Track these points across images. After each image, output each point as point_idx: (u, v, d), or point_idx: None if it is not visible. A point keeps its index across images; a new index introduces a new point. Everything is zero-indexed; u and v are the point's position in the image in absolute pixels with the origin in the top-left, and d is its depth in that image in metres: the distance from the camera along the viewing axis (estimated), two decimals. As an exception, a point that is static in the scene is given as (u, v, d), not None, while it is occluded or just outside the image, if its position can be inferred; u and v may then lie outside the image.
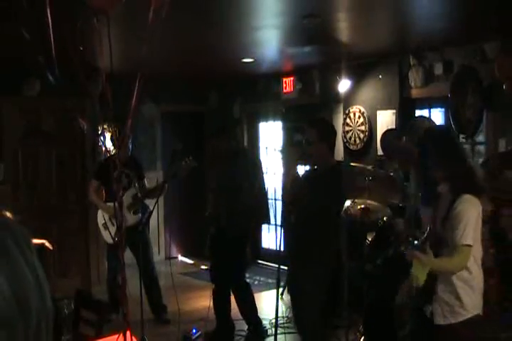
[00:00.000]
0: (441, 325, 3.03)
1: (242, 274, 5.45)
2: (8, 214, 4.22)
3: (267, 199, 5.62)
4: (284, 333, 5.74)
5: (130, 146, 6.01)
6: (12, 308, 0.72)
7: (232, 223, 5.18)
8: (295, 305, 4.62)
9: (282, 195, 4.75)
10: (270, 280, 7.47)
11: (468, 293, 3.02)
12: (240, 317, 5.64)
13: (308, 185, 4.22)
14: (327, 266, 4.26)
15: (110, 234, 5.82)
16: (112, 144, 5.88)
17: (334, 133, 4.40)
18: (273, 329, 5.29)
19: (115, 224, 5.84)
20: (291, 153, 4.94)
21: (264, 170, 5.47)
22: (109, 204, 5.88)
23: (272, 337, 4.89)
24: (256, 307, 5.52)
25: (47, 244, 4.49)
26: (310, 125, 4.35)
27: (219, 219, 5.30)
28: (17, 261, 0.75)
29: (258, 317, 5.54)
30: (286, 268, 7.17)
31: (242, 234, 5.28)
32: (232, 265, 5.32)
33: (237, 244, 5.26)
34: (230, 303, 5.53)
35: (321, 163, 4.28)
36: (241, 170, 5.18)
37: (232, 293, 5.48)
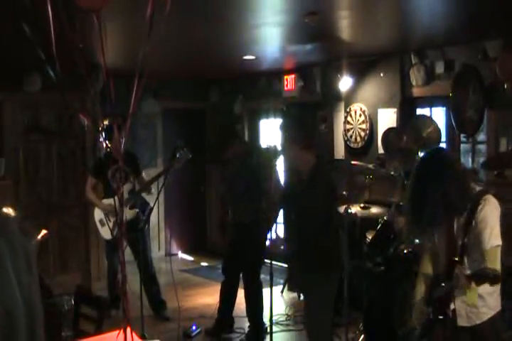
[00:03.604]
0: (466, 326, 3.03)
1: (258, 273, 5.47)
2: (10, 210, 4.21)
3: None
4: (284, 331, 5.77)
5: (123, 141, 5.99)
6: None
7: (256, 226, 5.27)
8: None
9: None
10: (268, 278, 7.46)
11: (489, 291, 3.01)
12: (242, 314, 5.66)
13: (296, 186, 4.20)
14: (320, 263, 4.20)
15: (110, 228, 5.84)
16: (104, 140, 5.91)
17: (307, 133, 4.16)
18: (272, 326, 5.32)
19: (112, 219, 5.86)
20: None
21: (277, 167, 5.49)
22: (105, 201, 5.88)
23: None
24: (263, 308, 5.50)
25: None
26: (280, 129, 4.15)
27: (243, 223, 5.40)
28: (7, 281, 0.75)
29: (262, 319, 5.52)
30: (284, 265, 7.21)
31: (263, 236, 5.31)
32: (250, 264, 5.42)
33: (258, 244, 5.30)
34: (235, 298, 5.59)
35: (300, 164, 4.13)
36: (256, 176, 5.20)
37: (244, 291, 5.54)
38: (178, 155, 5.42)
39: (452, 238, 3.07)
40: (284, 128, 4.13)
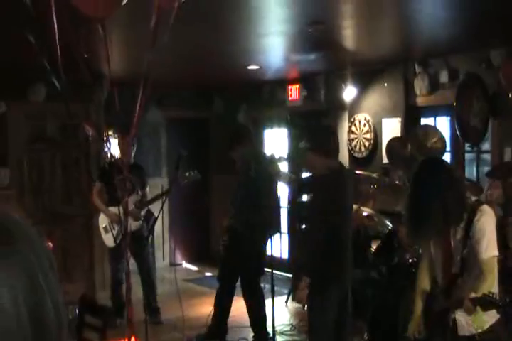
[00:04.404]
0: (467, 335, 3.01)
1: (256, 282, 5.44)
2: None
3: (279, 209, 5.62)
4: None
5: (133, 152, 6.03)
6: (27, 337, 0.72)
7: (250, 234, 5.22)
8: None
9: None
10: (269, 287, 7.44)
11: None
12: (246, 324, 5.62)
13: (303, 192, 4.19)
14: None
15: (113, 235, 5.84)
16: (115, 150, 5.96)
17: (324, 140, 4.12)
18: (275, 336, 5.29)
19: (116, 227, 5.87)
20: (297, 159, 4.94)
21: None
22: (111, 208, 5.88)
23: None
24: (265, 317, 5.41)
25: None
26: (296, 135, 4.23)
27: (238, 229, 5.33)
28: (38, 286, 0.75)
29: (265, 328, 5.43)
30: (287, 274, 7.19)
31: (259, 244, 5.30)
32: (247, 273, 5.38)
33: (254, 253, 5.28)
34: (230, 305, 5.55)
35: (314, 170, 4.17)
36: (258, 183, 5.17)
37: (245, 301, 5.49)
38: (187, 174, 5.46)
39: (449, 249, 3.05)
40: (301, 134, 4.15)
